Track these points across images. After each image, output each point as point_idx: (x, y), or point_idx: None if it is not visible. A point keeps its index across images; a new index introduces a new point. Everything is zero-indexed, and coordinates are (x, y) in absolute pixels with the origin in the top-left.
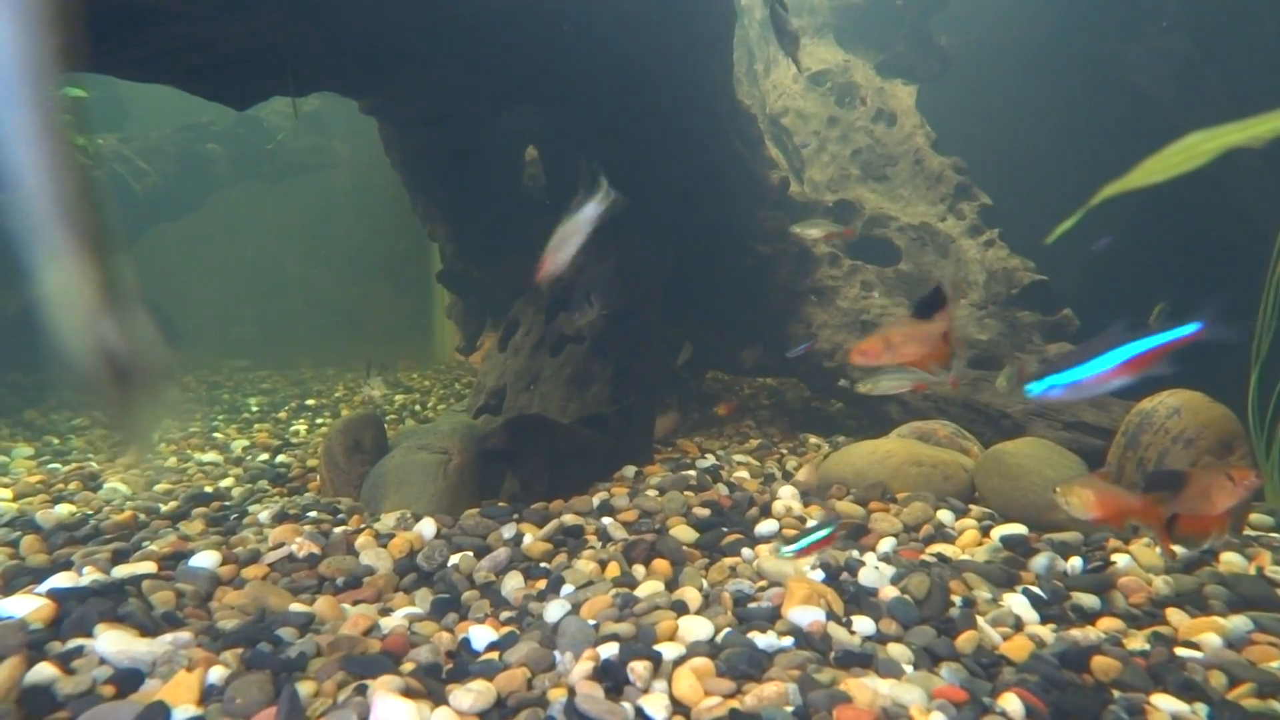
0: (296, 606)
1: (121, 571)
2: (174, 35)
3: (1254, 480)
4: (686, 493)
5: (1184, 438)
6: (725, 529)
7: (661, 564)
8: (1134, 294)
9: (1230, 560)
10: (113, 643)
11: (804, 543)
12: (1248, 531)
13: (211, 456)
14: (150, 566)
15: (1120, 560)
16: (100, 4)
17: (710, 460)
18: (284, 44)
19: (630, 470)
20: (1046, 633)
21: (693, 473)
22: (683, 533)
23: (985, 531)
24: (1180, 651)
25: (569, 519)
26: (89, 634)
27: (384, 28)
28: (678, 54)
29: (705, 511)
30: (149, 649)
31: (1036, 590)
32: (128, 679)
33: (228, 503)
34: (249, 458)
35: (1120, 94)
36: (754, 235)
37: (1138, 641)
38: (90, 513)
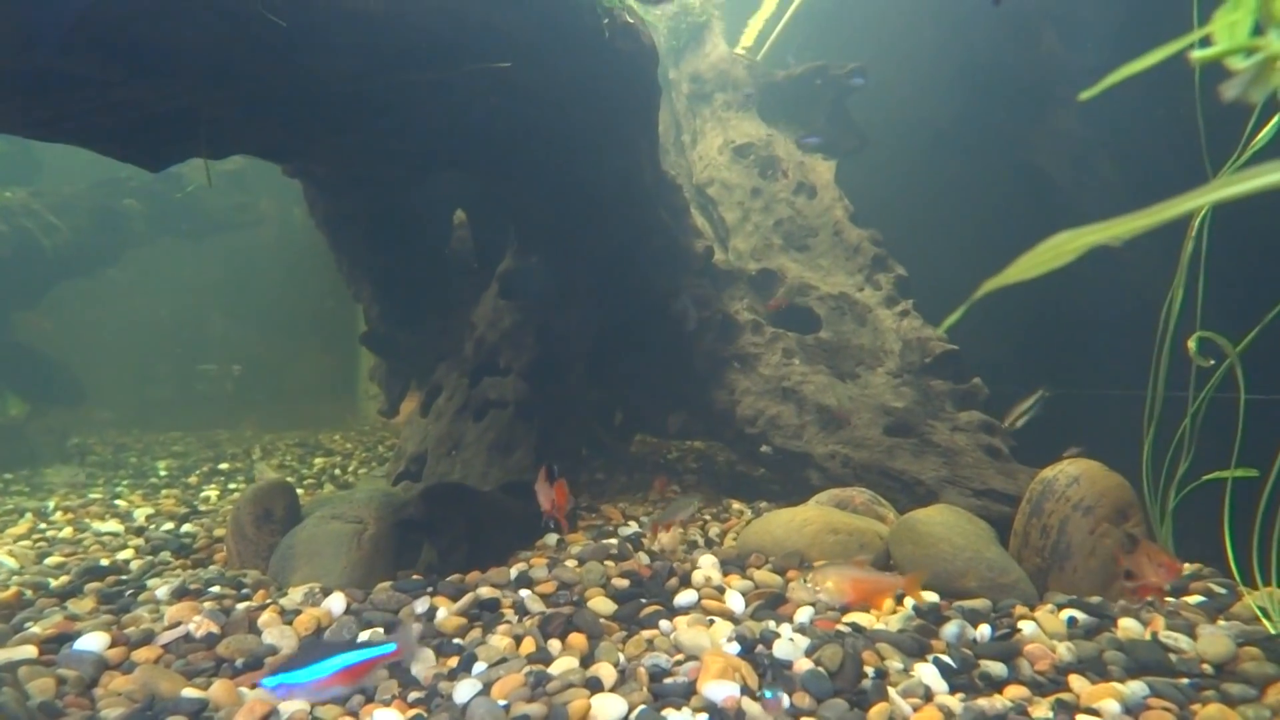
0: (190, 692)
1: None
2: (83, 99)
3: (1167, 572)
4: (607, 562)
5: (1083, 505)
6: (644, 600)
7: (578, 638)
8: (1040, 361)
9: (1127, 626)
10: None
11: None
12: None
13: (111, 526)
14: (30, 651)
15: (1026, 627)
16: (3, 66)
17: (633, 528)
18: (199, 109)
19: (553, 538)
20: (955, 703)
21: (614, 541)
22: (601, 604)
23: (899, 599)
24: (1081, 718)
25: (485, 592)
26: None
27: (303, 97)
28: (603, 128)
29: (624, 582)
30: None
31: (947, 659)
32: None
33: (125, 577)
34: (152, 527)
35: (1023, 173)
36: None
37: (1042, 709)
38: None
